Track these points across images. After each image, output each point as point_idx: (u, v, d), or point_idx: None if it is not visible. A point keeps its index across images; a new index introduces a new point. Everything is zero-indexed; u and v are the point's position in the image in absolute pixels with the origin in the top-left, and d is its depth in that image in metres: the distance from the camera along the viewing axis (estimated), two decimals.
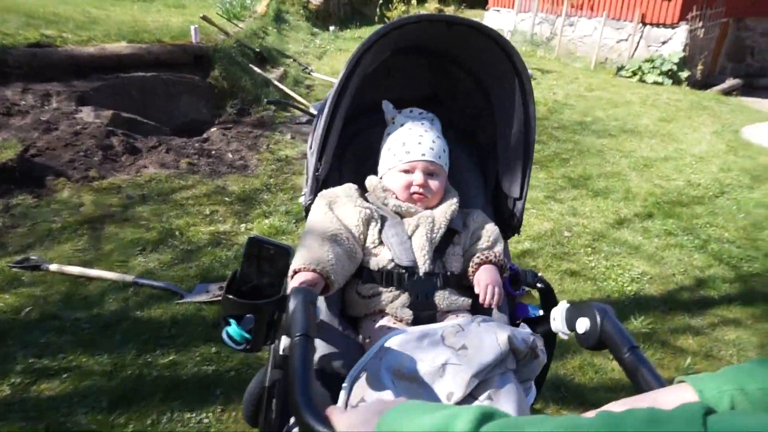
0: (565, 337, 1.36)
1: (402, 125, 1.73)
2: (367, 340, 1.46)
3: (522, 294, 1.58)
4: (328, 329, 1.45)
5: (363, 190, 1.67)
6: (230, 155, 4.63)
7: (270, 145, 4.94)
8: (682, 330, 3.06)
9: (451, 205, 1.63)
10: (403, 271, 1.50)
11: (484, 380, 1.20)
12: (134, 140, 4.42)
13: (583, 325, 1.26)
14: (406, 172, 1.62)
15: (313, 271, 1.32)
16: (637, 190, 4.86)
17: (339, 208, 1.55)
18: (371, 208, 1.55)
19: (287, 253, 1.16)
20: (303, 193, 1.65)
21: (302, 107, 4.69)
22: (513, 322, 1.55)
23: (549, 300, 1.51)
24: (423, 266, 1.51)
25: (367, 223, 1.53)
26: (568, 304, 1.37)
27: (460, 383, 1.17)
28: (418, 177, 1.61)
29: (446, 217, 1.59)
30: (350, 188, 1.62)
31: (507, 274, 1.56)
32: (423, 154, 1.63)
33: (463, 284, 1.58)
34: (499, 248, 1.61)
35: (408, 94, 2.00)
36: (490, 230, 1.65)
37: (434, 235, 1.55)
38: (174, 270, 3.01)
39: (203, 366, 2.36)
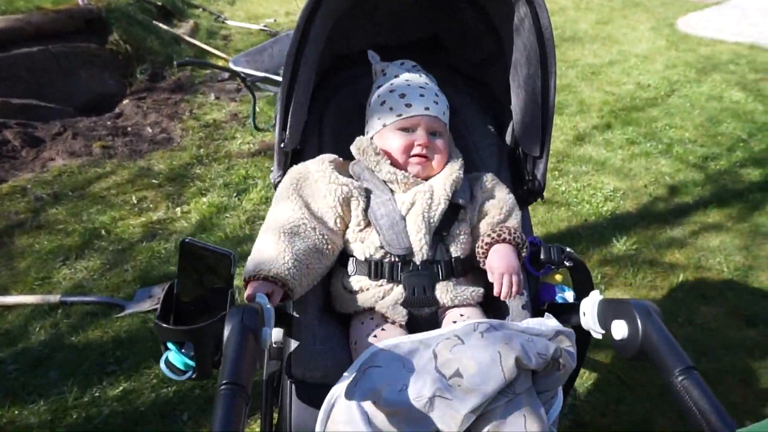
0: (599, 336, 1.09)
1: (396, 76, 1.44)
2: (355, 345, 1.22)
3: (546, 273, 1.31)
4: (309, 330, 1.20)
5: (348, 158, 1.38)
6: (149, 129, 4.09)
7: (193, 111, 4.41)
8: (666, 245, 2.93)
9: (452, 173, 1.33)
10: (396, 259, 1.24)
11: (484, 412, 0.96)
12: (33, 129, 3.81)
13: (619, 329, 0.99)
14: (406, 130, 1.35)
15: (265, 279, 1.10)
16: (591, 100, 4.66)
17: (309, 188, 1.26)
18: (349, 183, 1.26)
19: (228, 259, 1.01)
20: (272, 169, 1.37)
21: (220, 65, 4.16)
22: (536, 310, 1.28)
23: (581, 281, 1.25)
24: (420, 253, 1.24)
25: (346, 202, 1.25)
26: (601, 297, 1.09)
27: (451, 422, 0.93)
28: (421, 136, 1.34)
29: (447, 189, 1.29)
30: (324, 160, 1.31)
31: (526, 253, 1.27)
32: (427, 108, 1.36)
33: (474, 267, 1.31)
34: (514, 221, 1.33)
35: (401, 38, 1.66)
36: (503, 199, 1.35)
37: (433, 213, 1.26)
38: (107, 278, 2.59)
39: (162, 389, 2.02)
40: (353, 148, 1.37)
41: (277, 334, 1.28)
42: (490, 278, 1.22)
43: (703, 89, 4.94)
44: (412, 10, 1.58)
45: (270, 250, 1.14)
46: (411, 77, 1.43)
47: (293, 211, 1.22)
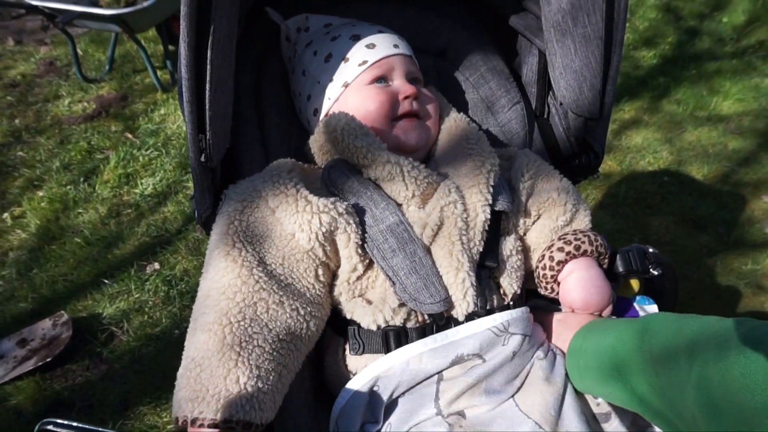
0: None
1: (328, 25, 1.01)
2: None
3: (617, 286, 0.95)
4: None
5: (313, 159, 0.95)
6: None
7: None
8: None
9: (483, 162, 0.89)
10: (428, 319, 0.83)
11: None
12: None
13: None
14: (379, 80, 0.93)
15: (214, 425, 0.67)
16: None
17: (264, 226, 0.80)
18: (332, 206, 0.80)
19: None
20: (192, 197, 0.88)
21: None
22: None
23: (668, 292, 0.90)
24: (464, 302, 0.81)
25: (329, 239, 0.80)
26: None
27: None
28: (402, 84, 0.94)
29: (483, 189, 0.86)
30: (281, 171, 0.85)
31: (606, 266, 0.91)
32: (396, 46, 0.96)
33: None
34: (585, 220, 0.95)
35: None
36: (560, 188, 0.94)
37: (472, 233, 0.84)
38: None
39: None
40: (318, 137, 0.90)
41: None
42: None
43: None
44: None
45: (214, 367, 0.69)
46: (351, 20, 1.01)
47: (240, 279, 0.74)
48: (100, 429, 0.60)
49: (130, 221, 2.28)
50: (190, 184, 2.44)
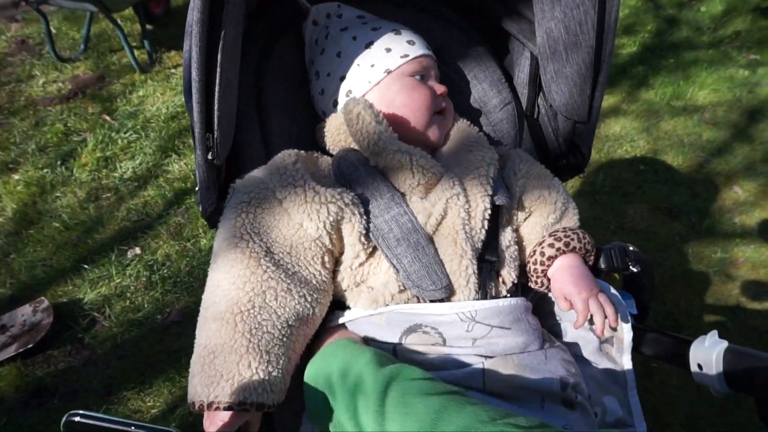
0: (718, 396, 0.81)
1: (361, 16, 1.05)
2: None
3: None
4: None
5: (315, 146, 1.00)
6: None
7: None
8: None
9: (483, 156, 0.94)
10: None
11: None
12: None
13: None
14: (418, 75, 0.98)
15: (229, 407, 0.72)
16: None
17: (271, 217, 0.83)
18: (338, 197, 0.84)
19: None
20: (197, 190, 0.89)
21: None
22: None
23: (645, 288, 0.95)
24: (467, 290, 0.86)
25: (336, 227, 0.84)
26: (725, 344, 0.79)
27: None
28: (436, 83, 1.00)
29: (483, 183, 0.90)
30: (286, 163, 0.87)
31: (591, 262, 0.96)
32: (428, 48, 1.02)
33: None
34: (574, 218, 0.99)
35: None
36: (551, 187, 0.99)
37: (474, 224, 0.89)
38: None
39: None
40: (335, 120, 0.95)
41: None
42: (563, 307, 0.89)
43: None
44: None
45: (227, 354, 0.74)
46: (381, 21, 1.05)
47: (249, 270, 0.78)
48: (125, 420, 0.62)
49: (110, 205, 2.26)
50: (171, 168, 2.42)
